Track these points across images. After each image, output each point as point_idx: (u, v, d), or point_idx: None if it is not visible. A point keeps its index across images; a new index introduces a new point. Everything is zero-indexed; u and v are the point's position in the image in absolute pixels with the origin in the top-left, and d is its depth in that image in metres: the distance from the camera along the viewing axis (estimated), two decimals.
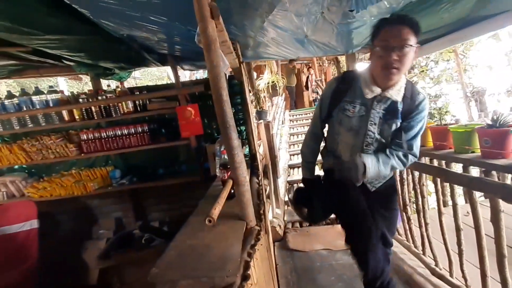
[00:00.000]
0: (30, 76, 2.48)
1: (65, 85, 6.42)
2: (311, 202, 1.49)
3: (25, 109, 2.33)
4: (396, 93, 1.16)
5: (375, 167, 1.20)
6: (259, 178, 2.25)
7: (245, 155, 2.54)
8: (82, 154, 2.48)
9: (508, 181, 1.42)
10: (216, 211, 0.91)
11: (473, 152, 1.50)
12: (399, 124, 1.20)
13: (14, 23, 1.42)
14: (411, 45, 1.05)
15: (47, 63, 2.23)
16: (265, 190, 3.03)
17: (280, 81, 5.95)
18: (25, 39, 1.63)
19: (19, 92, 2.38)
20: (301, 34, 2.24)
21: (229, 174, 1.57)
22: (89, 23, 1.58)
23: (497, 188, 1.29)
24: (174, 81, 2.46)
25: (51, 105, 2.34)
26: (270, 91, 5.89)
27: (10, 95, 2.34)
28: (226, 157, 1.70)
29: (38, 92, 2.35)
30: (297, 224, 3.23)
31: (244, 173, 1.19)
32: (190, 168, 2.88)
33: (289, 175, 4.63)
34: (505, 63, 8.10)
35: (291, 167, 4.92)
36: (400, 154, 1.23)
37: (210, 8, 1.06)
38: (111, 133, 2.45)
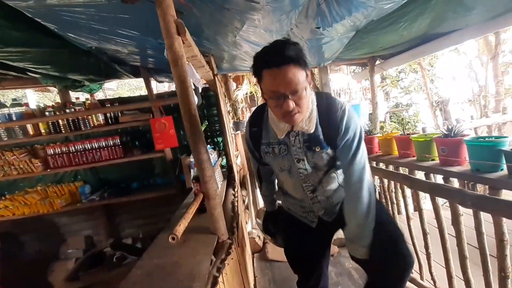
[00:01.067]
0: None
1: (35, 96, 6.10)
2: (275, 231, 1.49)
3: None
4: (307, 124, 1.02)
5: (364, 228, 1.08)
6: (235, 190, 2.24)
7: (223, 167, 2.53)
8: (49, 170, 2.35)
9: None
10: (180, 227, 0.90)
11: (433, 160, 1.60)
12: (330, 151, 1.06)
13: None
14: (304, 86, 0.92)
15: (9, 75, 2.13)
16: (244, 201, 3.02)
17: (258, 92, 6.04)
18: None
19: None
20: None
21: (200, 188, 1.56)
22: (55, 35, 1.54)
23: (455, 194, 1.37)
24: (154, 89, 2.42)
25: (14, 119, 2.22)
26: (249, 102, 5.95)
27: None
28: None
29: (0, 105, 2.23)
30: None
31: (214, 186, 1.19)
32: (166, 181, 2.82)
33: None
34: (466, 74, 8.77)
35: None
36: (360, 185, 1.05)
37: (176, 25, 1.07)
38: (81, 146, 2.35)
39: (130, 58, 2.15)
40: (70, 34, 1.51)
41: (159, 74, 2.55)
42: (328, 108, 1.04)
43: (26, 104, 2.29)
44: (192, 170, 2.28)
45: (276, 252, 2.77)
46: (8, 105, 2.24)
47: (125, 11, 1.35)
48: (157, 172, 2.83)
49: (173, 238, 0.82)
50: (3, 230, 2.30)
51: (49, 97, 8.18)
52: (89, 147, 2.36)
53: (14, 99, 2.34)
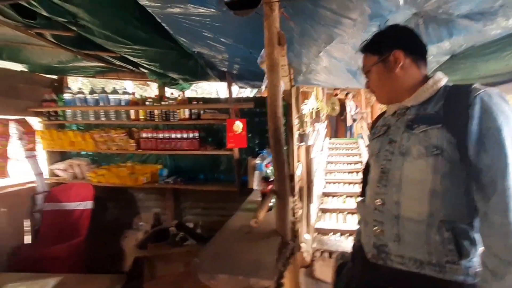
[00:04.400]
0: (110, 77, 2.91)
1: (132, 88, 7.24)
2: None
3: (101, 104, 2.73)
4: (414, 99, 0.88)
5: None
6: (295, 198, 2.28)
7: None
8: (139, 150, 2.78)
9: None
10: (261, 215, 0.99)
11: None
12: (443, 133, 0.77)
13: (113, 33, 1.74)
14: (369, 69, 0.96)
15: (126, 68, 2.62)
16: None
17: (324, 109, 6.00)
18: (117, 46, 1.96)
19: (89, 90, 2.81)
20: (354, 65, 2.31)
21: (269, 187, 1.64)
22: (169, 39, 1.85)
23: None
24: (221, 96, 2.67)
25: (122, 104, 2.71)
26: (313, 117, 5.95)
27: (92, 92, 2.78)
28: (268, 171, 1.78)
29: (114, 91, 2.75)
30: (326, 254, 3.11)
31: (287, 187, 1.26)
32: (227, 179, 3.02)
33: (322, 203, 4.51)
34: None
35: (326, 194, 4.80)
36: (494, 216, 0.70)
37: (278, 36, 1.19)
38: (167, 135, 2.72)
39: (220, 64, 2.43)
40: (182, 39, 1.80)
41: (241, 80, 2.78)
42: (454, 92, 0.82)
43: (133, 94, 2.77)
44: (257, 172, 2.41)
45: (325, 272, 2.67)
46: (120, 92, 2.75)
47: (231, 22, 1.55)
48: (222, 168, 3.05)
49: (256, 222, 0.90)
50: (97, 194, 2.78)
51: (145, 90, 9.52)
52: (173, 136, 2.71)
53: (125, 88, 2.86)
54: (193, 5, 1.35)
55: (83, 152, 3.06)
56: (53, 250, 2.26)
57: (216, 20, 1.53)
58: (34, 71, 2.69)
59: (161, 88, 2.94)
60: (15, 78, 2.61)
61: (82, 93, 2.78)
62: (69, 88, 2.89)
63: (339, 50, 1.90)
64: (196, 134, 2.73)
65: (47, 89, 2.88)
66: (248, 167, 2.59)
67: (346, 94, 8.96)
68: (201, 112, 2.72)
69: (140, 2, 1.34)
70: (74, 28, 1.73)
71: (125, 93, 2.75)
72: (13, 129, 2.51)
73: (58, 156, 3.04)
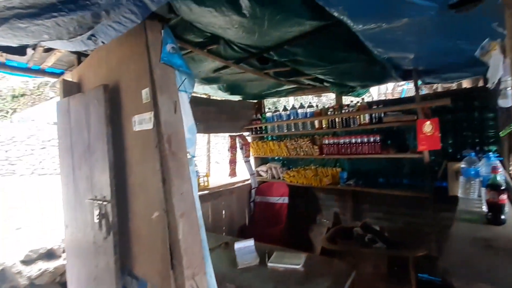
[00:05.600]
0: (298, 95, 3.50)
1: (311, 101, 8.24)
2: None
3: (292, 118, 3.33)
4: None
5: None
6: None
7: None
8: (323, 155, 3.14)
9: None
10: None
11: None
12: None
13: (318, 60, 2.11)
14: None
15: (311, 85, 3.06)
16: None
17: None
18: (315, 70, 2.35)
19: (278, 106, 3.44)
20: None
21: (501, 197, 1.43)
22: (362, 53, 2.01)
23: None
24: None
25: (308, 116, 3.19)
26: None
27: (285, 108, 3.45)
28: (498, 177, 1.55)
29: (301, 106, 3.28)
30: None
31: None
32: (412, 183, 2.82)
33: None
34: None
35: None
36: None
37: None
38: (347, 140, 2.92)
39: (407, 63, 2.35)
40: (378, 49, 1.91)
41: (429, 75, 2.56)
42: None
43: (317, 106, 3.20)
44: (462, 178, 2.13)
45: None
46: (305, 106, 3.25)
47: (440, 21, 1.51)
48: (405, 172, 2.89)
49: None
50: (290, 191, 3.38)
51: (320, 100, 10.42)
52: (353, 141, 2.88)
53: (310, 102, 3.35)
54: (408, 18, 1.43)
55: (276, 158, 3.83)
56: (268, 231, 2.98)
57: (426, 23, 1.53)
58: (246, 99, 3.69)
59: (338, 97, 3.21)
60: (236, 105, 3.70)
61: (278, 110, 3.51)
62: (268, 108, 3.73)
63: None
64: (377, 138, 2.76)
65: (252, 111, 3.86)
66: (448, 171, 2.32)
67: None
68: (382, 115, 2.72)
69: (354, 30, 1.57)
70: (289, 64, 2.24)
71: (310, 106, 3.22)
72: (237, 142, 3.56)
73: (260, 161, 3.97)
